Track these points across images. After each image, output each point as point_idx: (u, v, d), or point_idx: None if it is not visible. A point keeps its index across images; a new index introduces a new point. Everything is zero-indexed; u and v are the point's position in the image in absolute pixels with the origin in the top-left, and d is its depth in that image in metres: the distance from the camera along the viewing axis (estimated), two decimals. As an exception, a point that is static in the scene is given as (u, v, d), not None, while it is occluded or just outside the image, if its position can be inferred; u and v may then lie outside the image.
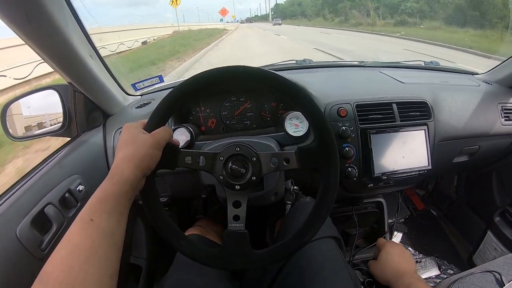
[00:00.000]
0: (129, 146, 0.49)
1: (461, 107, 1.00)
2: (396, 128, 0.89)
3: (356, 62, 1.29)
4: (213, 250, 0.56)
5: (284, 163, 0.57)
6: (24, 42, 0.64)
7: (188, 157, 0.56)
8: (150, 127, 0.53)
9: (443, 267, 1.30)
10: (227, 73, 0.54)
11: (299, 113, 0.85)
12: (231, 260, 0.55)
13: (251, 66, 0.55)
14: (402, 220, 1.41)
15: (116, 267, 0.43)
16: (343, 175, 0.85)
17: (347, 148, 0.85)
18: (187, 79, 0.55)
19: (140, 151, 0.49)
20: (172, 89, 0.55)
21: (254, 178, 0.57)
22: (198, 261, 0.55)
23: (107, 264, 0.41)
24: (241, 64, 0.54)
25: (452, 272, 1.27)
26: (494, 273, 0.80)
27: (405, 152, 0.90)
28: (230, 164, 0.57)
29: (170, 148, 0.54)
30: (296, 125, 0.86)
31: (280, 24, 45.43)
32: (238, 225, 0.57)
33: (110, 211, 0.44)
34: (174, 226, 0.56)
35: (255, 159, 0.57)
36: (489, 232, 1.23)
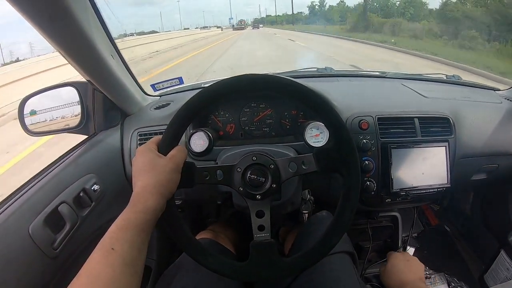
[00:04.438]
0: (149, 173, 0.49)
1: (482, 124, 0.98)
2: (417, 144, 0.87)
3: (377, 73, 1.27)
4: (240, 263, 0.56)
5: (303, 167, 0.56)
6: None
7: (205, 172, 0.56)
8: (165, 148, 0.53)
9: (453, 284, 1.26)
10: (231, 86, 0.54)
11: (320, 123, 0.84)
12: (259, 271, 0.55)
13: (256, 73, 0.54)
14: (415, 234, 1.39)
15: None
16: (361, 188, 0.84)
17: (366, 162, 0.84)
18: (196, 94, 0.54)
19: (162, 179, 0.49)
20: (185, 103, 0.54)
21: (275, 185, 0.56)
22: (226, 276, 0.55)
23: None
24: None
25: (462, 290, 1.25)
26: (507, 295, 0.78)
27: (425, 168, 0.88)
28: (248, 175, 0.56)
29: (187, 167, 0.54)
30: (316, 135, 0.84)
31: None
32: (263, 235, 0.56)
33: (132, 240, 0.43)
34: (200, 244, 0.56)
35: (273, 166, 0.56)
36: (502, 251, 1.20)
